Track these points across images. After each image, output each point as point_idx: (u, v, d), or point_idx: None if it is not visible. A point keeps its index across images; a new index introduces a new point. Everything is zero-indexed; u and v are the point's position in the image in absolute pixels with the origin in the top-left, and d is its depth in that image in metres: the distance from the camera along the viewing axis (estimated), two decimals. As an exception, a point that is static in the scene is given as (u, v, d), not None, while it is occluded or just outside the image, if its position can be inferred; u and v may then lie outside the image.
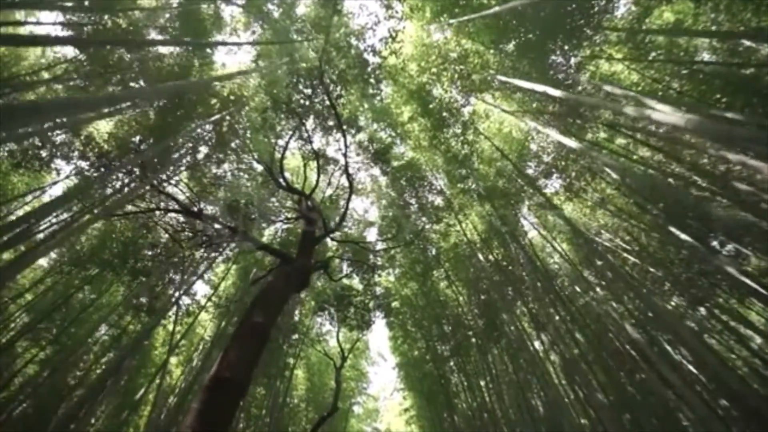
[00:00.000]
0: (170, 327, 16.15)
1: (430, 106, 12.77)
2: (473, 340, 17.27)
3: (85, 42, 11.31)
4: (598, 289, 15.94)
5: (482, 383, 17.00)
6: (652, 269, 13.64)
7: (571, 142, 9.19)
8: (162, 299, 16.59)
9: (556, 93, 8.99)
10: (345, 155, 8.93)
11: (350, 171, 10.93)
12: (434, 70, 10.94)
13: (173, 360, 15.96)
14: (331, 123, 12.44)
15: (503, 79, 10.35)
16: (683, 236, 12.47)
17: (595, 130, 12.37)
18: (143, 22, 12.38)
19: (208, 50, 13.23)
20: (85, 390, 14.96)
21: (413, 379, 19.06)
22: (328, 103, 11.32)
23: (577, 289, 14.92)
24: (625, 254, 13.57)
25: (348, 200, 8.84)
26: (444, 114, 12.92)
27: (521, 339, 17.40)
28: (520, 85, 10.51)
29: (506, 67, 11.60)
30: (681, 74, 12.05)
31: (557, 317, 16.98)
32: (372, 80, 9.92)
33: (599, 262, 15.29)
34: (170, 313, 16.22)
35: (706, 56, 12.36)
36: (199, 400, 3.17)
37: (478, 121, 13.23)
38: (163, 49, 12.79)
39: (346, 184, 15.62)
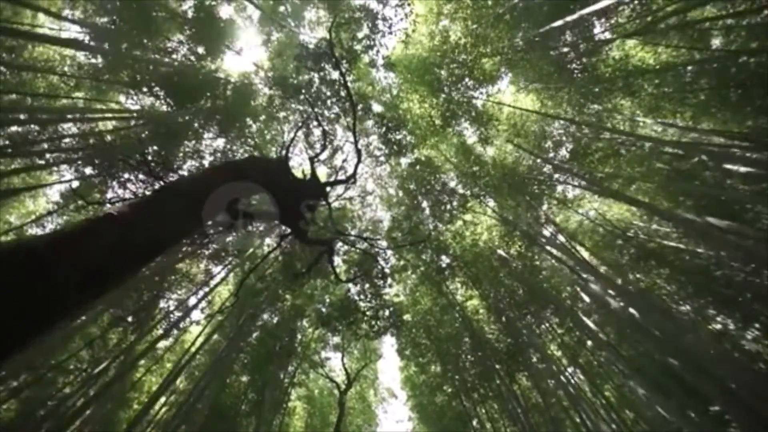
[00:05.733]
0: (158, 344, 14.50)
1: (442, 96, 12.47)
2: (497, 366, 15.09)
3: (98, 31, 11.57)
4: (635, 299, 14.11)
5: (512, 419, 14.46)
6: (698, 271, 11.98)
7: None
8: (150, 313, 15.16)
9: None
10: (354, 125, 8.38)
11: (358, 143, 10.33)
12: (446, 22, 10.77)
13: (153, 378, 14.07)
14: (336, 110, 12.09)
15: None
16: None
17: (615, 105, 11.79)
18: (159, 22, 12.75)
19: (222, 49, 13.50)
20: (56, 422, 13.00)
21: (429, 414, 16.43)
22: (336, 79, 11.07)
23: (612, 294, 13.20)
24: (665, 250, 12.08)
25: (356, 165, 8.08)
26: (454, 105, 12.56)
27: (553, 364, 15.16)
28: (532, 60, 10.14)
29: (515, 49, 11.42)
30: (695, 60, 11.69)
31: (590, 340, 14.90)
32: (382, 47, 9.71)
33: (635, 269, 13.72)
34: (160, 330, 14.67)
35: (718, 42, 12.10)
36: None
37: (491, 111, 12.80)
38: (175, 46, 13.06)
39: (352, 183, 14.83)
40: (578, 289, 13.09)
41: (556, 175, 13.43)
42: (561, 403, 15.89)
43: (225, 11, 12.88)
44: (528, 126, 12.95)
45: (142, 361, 15.21)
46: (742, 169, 9.32)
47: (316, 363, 15.87)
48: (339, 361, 16.59)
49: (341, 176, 14.52)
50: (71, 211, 14.20)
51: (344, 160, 14.23)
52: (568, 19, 10.05)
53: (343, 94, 10.22)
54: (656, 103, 11.88)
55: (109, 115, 14.18)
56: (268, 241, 16.95)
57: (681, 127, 12.42)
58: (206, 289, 16.72)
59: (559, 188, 13.77)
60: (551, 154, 13.26)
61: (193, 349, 14.79)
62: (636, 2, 11.87)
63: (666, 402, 11.88)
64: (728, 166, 10.62)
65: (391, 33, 10.41)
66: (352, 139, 13.06)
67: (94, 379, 13.00)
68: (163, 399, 15.19)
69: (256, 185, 3.77)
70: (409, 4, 9.67)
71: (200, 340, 14.77)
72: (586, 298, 12.74)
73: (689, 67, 11.84)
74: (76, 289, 1.83)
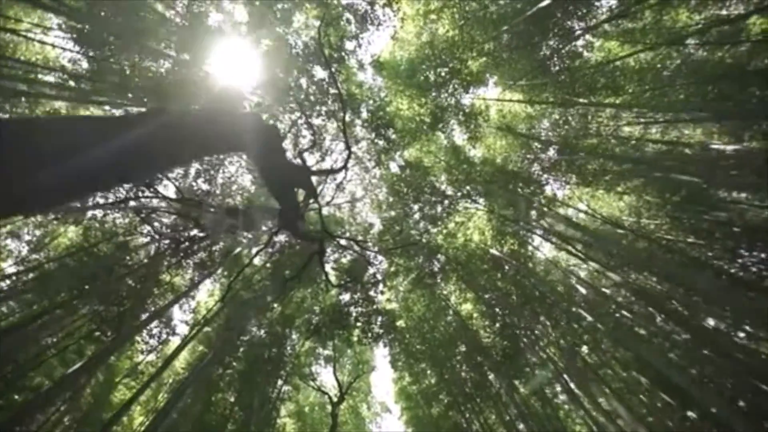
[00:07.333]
0: (136, 358, 13.68)
1: (430, 96, 12.61)
2: (494, 372, 14.69)
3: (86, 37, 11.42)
4: (629, 301, 14.09)
5: (511, 428, 13.97)
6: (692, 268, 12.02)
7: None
8: (131, 326, 14.37)
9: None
10: (344, 118, 8.37)
11: (349, 144, 10.30)
12: (434, 17, 10.94)
13: (131, 394, 13.14)
14: (324, 111, 12.06)
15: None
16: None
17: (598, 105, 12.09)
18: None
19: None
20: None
21: (425, 426, 15.75)
22: (323, 78, 11.10)
23: (606, 291, 13.16)
24: (657, 244, 12.16)
25: (347, 156, 8.02)
26: (442, 104, 12.70)
27: (552, 366, 14.85)
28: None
29: (501, 50, 11.72)
30: (672, 56, 12.18)
31: (587, 339, 14.72)
32: (370, 46, 9.81)
33: (628, 265, 13.74)
34: (139, 343, 13.90)
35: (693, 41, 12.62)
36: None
37: (479, 110, 12.98)
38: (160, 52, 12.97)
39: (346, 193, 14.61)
40: (573, 282, 13.02)
41: (545, 173, 13.58)
42: (561, 409, 15.51)
43: (213, 17, 12.93)
44: (515, 124, 13.16)
45: (120, 377, 14.31)
46: (726, 153, 9.57)
47: (306, 376, 15.19)
48: (330, 376, 15.96)
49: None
50: (52, 219, 13.63)
51: (332, 166, 14.15)
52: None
53: (332, 91, 10.23)
54: (638, 100, 12.25)
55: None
56: (255, 249, 16.52)
57: (663, 122, 12.80)
58: (190, 300, 16.04)
59: (549, 185, 13.89)
60: (539, 152, 13.44)
61: (175, 363, 14.03)
62: (615, 2, 12.38)
63: (668, 400, 11.70)
64: (711, 159, 10.92)
65: (378, 30, 10.57)
66: (340, 144, 12.95)
67: (67, 397, 12.13)
68: (142, 418, 14.24)
69: (246, 136, 3.57)
70: (396, 2, 9.88)
71: (183, 353, 14.02)
72: (583, 291, 12.65)
73: (668, 63, 12.30)
74: (41, 181, 1.63)
